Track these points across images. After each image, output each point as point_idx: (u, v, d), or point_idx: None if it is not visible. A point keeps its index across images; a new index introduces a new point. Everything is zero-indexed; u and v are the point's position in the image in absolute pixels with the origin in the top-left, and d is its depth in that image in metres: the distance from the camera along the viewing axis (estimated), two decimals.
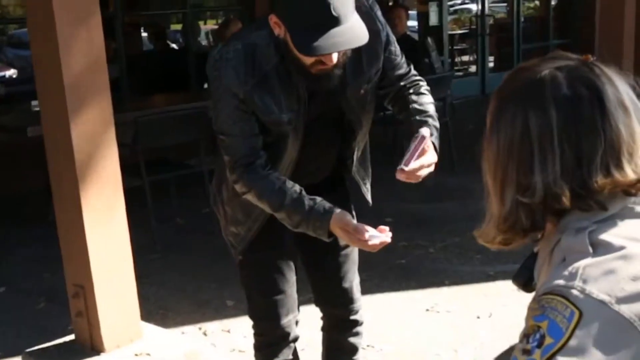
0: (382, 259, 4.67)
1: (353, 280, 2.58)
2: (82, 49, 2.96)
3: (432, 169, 2.10)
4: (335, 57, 1.99)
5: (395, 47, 2.29)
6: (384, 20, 2.26)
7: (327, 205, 2.11)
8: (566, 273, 1.07)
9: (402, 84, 2.33)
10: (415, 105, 2.28)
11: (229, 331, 3.79)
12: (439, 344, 3.58)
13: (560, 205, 1.15)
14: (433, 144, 2.15)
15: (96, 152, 3.06)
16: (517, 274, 1.37)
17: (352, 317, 2.63)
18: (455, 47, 12.85)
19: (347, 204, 2.48)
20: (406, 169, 2.02)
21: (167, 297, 4.24)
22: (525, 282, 1.35)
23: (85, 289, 3.16)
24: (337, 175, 2.46)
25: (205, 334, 3.77)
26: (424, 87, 2.35)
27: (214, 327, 3.78)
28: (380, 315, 3.92)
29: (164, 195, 5.69)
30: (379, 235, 2.05)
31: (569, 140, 1.13)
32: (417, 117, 2.24)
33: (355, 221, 2.12)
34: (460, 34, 13.64)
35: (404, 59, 2.34)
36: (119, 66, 7.83)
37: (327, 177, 2.42)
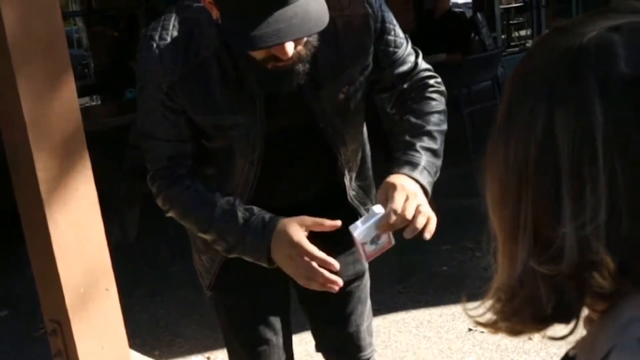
0: (422, 266, 4.17)
1: (361, 324, 2.02)
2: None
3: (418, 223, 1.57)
4: (289, 48, 1.45)
5: (396, 37, 1.72)
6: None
7: (268, 215, 1.59)
8: None
9: (405, 85, 1.77)
10: (411, 118, 1.71)
11: None
12: None
13: (604, 284, 0.67)
14: (419, 182, 1.61)
15: (63, 167, 2.62)
16: None
17: None
18: (510, 22, 12.14)
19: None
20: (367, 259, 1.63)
21: (177, 319, 3.80)
22: None
23: (62, 325, 2.73)
24: (334, 193, 1.87)
25: None
26: (433, 87, 1.77)
27: (224, 356, 3.32)
28: (414, 338, 3.40)
29: None
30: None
31: (624, 163, 0.64)
32: (407, 137, 1.68)
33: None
34: (515, 7, 12.86)
35: (408, 49, 1.77)
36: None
37: (319, 195, 1.86)
